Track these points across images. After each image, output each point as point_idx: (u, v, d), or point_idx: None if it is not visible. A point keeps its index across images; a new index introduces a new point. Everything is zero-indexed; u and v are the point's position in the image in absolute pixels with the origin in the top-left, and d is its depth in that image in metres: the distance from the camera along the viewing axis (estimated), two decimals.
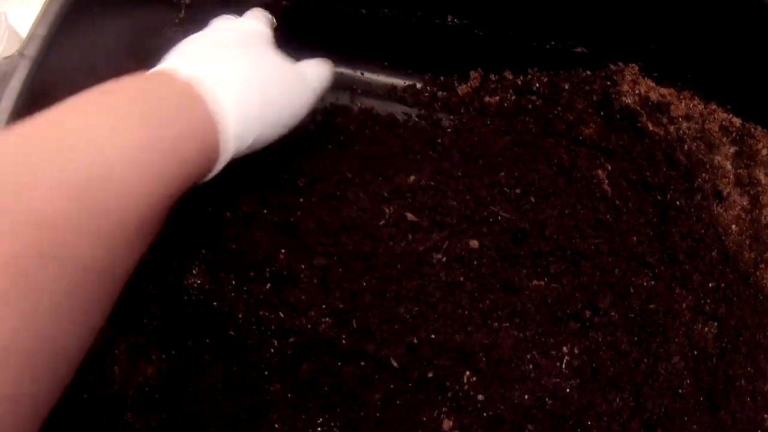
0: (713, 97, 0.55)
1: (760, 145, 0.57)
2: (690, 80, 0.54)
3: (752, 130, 0.57)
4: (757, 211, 0.54)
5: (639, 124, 0.50)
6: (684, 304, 0.47)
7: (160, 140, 0.27)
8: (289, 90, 0.37)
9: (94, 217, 0.23)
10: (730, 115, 0.56)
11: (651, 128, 0.50)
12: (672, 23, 0.48)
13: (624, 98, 0.50)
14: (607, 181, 0.49)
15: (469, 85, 0.56)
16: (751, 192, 0.54)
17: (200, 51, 0.34)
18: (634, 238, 0.47)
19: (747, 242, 0.52)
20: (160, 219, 0.28)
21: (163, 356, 0.39)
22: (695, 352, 0.46)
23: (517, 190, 0.46)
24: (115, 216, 0.24)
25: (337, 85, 0.46)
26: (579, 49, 0.51)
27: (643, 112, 0.50)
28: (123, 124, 0.26)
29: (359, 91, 0.57)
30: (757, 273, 0.53)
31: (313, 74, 0.40)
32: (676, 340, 0.46)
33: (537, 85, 0.52)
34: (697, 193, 0.50)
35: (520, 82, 0.54)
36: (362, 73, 0.57)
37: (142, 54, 0.41)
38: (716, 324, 0.48)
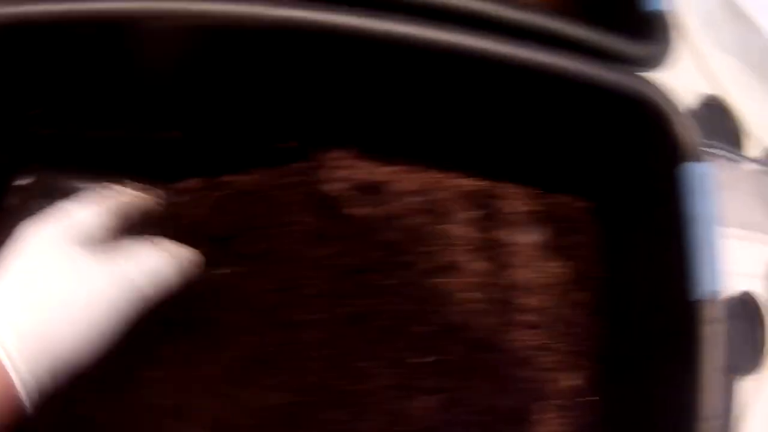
0: (445, 164, 0.54)
1: (510, 204, 0.55)
2: (423, 153, 0.54)
3: (499, 190, 0.55)
4: (501, 274, 0.52)
5: (346, 210, 0.50)
6: (380, 383, 0.45)
7: None
8: (91, 308, 0.32)
9: None
10: (469, 179, 0.55)
11: (357, 213, 0.50)
12: (391, 100, 0.49)
13: (331, 185, 0.51)
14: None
15: None
16: (492, 256, 0.52)
17: None
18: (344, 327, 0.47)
19: (486, 308, 0.50)
20: None
21: None
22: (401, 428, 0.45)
23: None
24: None
25: None
26: (291, 144, 0.52)
27: (351, 196, 0.51)
28: None
29: None
30: (503, 336, 0.50)
31: (142, 272, 0.34)
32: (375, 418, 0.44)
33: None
34: (411, 269, 0.49)
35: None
36: None
37: None
38: (435, 398, 0.46)
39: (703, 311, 0.38)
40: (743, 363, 0.70)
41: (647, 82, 0.43)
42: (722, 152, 0.67)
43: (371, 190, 0.51)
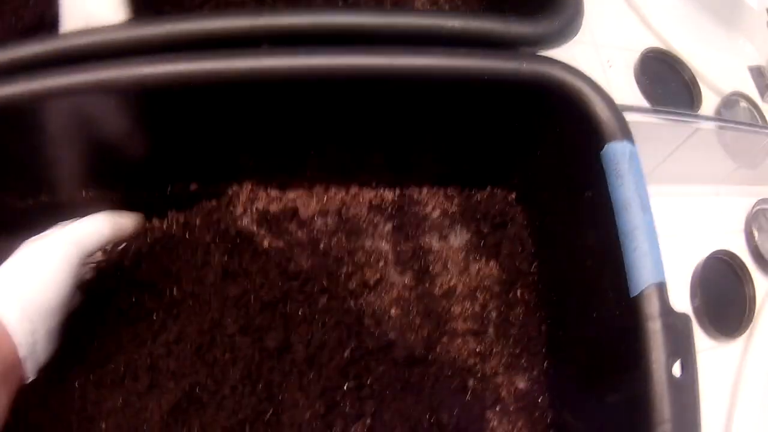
0: (355, 179, 0.52)
1: (428, 208, 0.52)
2: (326, 172, 0.51)
3: (415, 195, 0.53)
4: (427, 284, 0.49)
5: (256, 243, 0.48)
6: (308, 413, 0.43)
7: None
8: (65, 282, 0.39)
9: None
10: (382, 190, 0.52)
11: (267, 244, 0.48)
12: (282, 126, 0.47)
13: (239, 221, 0.49)
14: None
15: None
16: (417, 266, 0.50)
17: None
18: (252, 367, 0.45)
19: (416, 321, 0.48)
20: None
21: None
22: None
23: None
24: None
25: None
26: (192, 185, 0.50)
27: (260, 228, 0.49)
28: None
29: None
30: (439, 348, 0.48)
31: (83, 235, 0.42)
32: None
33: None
34: (332, 293, 0.47)
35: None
36: None
37: None
38: (367, 420, 0.44)
39: (644, 307, 0.35)
40: (731, 324, 0.67)
41: (553, 62, 0.41)
42: (672, 115, 0.63)
43: (279, 219, 0.49)
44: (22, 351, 0.35)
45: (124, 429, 0.41)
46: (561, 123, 0.43)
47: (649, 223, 0.36)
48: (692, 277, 0.66)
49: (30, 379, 0.36)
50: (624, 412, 0.37)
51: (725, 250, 0.67)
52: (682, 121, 0.63)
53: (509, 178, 0.51)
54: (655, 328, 0.34)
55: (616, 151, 0.38)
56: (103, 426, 0.41)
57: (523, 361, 0.48)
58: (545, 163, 0.48)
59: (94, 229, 0.42)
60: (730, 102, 0.75)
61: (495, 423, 0.46)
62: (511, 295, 0.49)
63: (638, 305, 0.35)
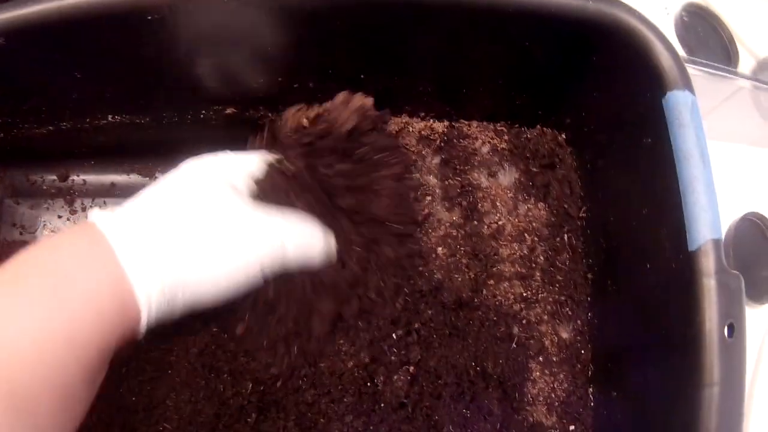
0: (404, 109, 0.48)
1: (478, 143, 0.49)
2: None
3: (465, 129, 0.49)
4: (475, 223, 0.46)
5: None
6: (351, 363, 0.41)
7: (62, 306, 0.26)
8: (230, 246, 0.32)
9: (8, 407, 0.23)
10: (431, 122, 0.49)
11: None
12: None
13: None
14: None
15: None
16: (465, 202, 0.47)
17: (137, 202, 0.32)
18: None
19: (463, 261, 0.45)
20: (90, 377, 0.27)
21: None
22: (380, 405, 0.41)
23: None
24: (24, 390, 0.24)
25: None
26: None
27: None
28: (23, 299, 0.26)
29: None
30: (483, 291, 0.45)
31: (293, 238, 0.34)
32: (345, 399, 0.40)
33: None
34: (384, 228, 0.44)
35: None
36: None
37: None
38: (410, 368, 0.41)
39: (702, 263, 0.33)
40: (761, 289, 0.66)
41: (619, 4, 0.38)
42: (710, 68, 0.60)
43: None
44: (143, 324, 0.30)
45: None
46: (622, 67, 0.40)
47: (708, 176, 0.35)
48: (725, 239, 0.64)
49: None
50: (670, 371, 0.36)
51: (757, 213, 0.66)
52: (726, 77, 0.61)
53: (561, 119, 0.48)
54: (710, 285, 0.33)
55: (678, 99, 0.36)
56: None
57: (567, 309, 0.46)
58: (601, 106, 0.45)
59: (306, 250, 0.35)
60: (766, 64, 0.73)
61: (537, 374, 0.44)
62: (558, 240, 0.46)
63: (696, 260, 0.33)
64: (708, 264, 0.33)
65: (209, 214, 0.32)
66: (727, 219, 0.65)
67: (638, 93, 0.39)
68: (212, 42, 0.38)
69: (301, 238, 0.35)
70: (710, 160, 0.36)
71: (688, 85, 0.36)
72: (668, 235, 0.36)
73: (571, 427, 0.44)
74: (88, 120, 0.43)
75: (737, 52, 0.72)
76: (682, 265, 0.34)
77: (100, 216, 0.30)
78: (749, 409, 0.62)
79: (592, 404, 0.45)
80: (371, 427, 0.39)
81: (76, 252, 0.28)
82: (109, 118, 0.44)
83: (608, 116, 0.44)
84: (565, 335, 0.45)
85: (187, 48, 0.38)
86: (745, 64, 0.72)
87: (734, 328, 0.33)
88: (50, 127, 0.43)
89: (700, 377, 0.32)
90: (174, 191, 0.32)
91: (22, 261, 0.27)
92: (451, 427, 0.39)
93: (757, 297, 0.63)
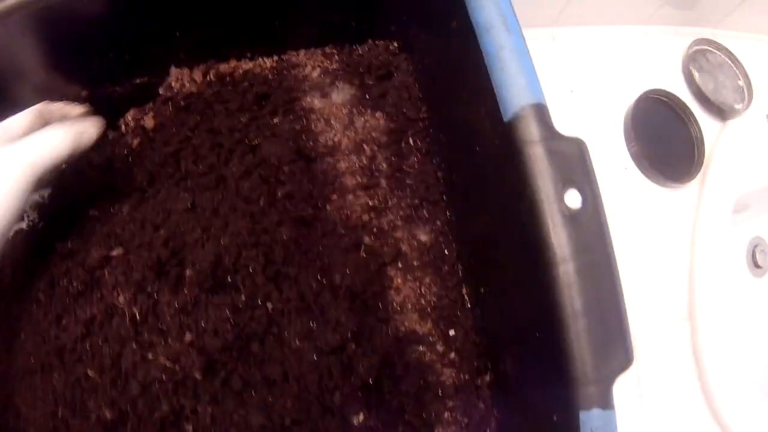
0: (231, 54, 0.49)
1: (308, 69, 0.49)
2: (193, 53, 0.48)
3: (293, 59, 0.49)
4: (311, 143, 0.46)
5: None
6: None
7: None
8: None
9: None
10: (259, 59, 0.49)
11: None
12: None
13: None
14: None
15: None
16: (298, 126, 0.46)
17: None
18: None
19: (303, 181, 0.45)
20: None
21: None
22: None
23: None
24: None
25: None
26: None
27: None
28: None
29: None
30: (328, 208, 0.44)
31: (35, 147, 0.34)
32: None
33: None
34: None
35: None
36: None
37: None
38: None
39: (520, 131, 0.31)
40: (680, 168, 0.63)
41: None
42: None
43: None
44: None
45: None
46: None
47: (517, 43, 0.33)
48: (624, 120, 0.61)
49: None
50: (523, 252, 0.33)
51: (660, 89, 0.63)
52: None
53: (387, 28, 0.48)
54: (536, 153, 0.30)
55: None
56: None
57: (423, 211, 0.45)
58: (412, 3, 0.45)
59: (53, 147, 0.35)
60: None
61: (399, 281, 0.43)
62: (403, 145, 0.46)
63: (513, 129, 0.31)
64: (528, 131, 0.31)
65: None
66: (626, 100, 0.63)
67: None
68: None
69: (44, 142, 0.35)
70: (519, 28, 0.35)
71: None
72: (487, 112, 0.34)
73: (451, 332, 0.43)
74: None
75: None
76: (503, 140, 0.32)
77: None
78: (693, 300, 0.59)
79: (468, 306, 0.43)
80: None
81: None
82: None
83: (422, 10, 0.44)
84: (424, 238, 0.44)
85: None
86: None
87: (582, 195, 0.30)
88: None
89: (547, 256, 0.29)
90: None
91: None
92: (297, 341, 0.39)
93: (677, 176, 0.60)
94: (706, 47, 0.68)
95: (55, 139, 0.35)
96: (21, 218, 0.36)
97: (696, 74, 0.66)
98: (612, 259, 0.30)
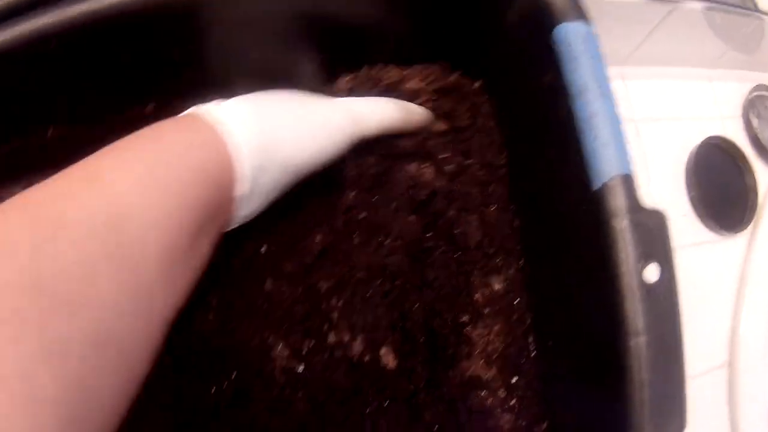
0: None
1: None
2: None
3: None
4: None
5: None
6: None
7: (172, 179, 0.26)
8: (314, 112, 0.33)
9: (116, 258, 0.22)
10: None
11: None
12: None
13: None
14: None
15: None
16: None
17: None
18: None
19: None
20: (192, 255, 0.27)
21: None
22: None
23: None
24: (130, 240, 0.23)
25: None
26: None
27: None
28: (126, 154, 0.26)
29: None
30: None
31: (366, 108, 0.36)
32: None
33: None
34: None
35: None
36: None
37: None
38: None
39: (608, 202, 0.31)
40: (733, 217, 0.62)
41: None
42: None
43: None
44: (240, 188, 0.29)
45: None
46: (513, 5, 0.39)
47: (609, 109, 0.32)
48: (687, 165, 0.61)
49: (230, 228, 0.31)
50: (598, 321, 0.34)
51: (720, 136, 0.62)
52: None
53: (474, 67, 0.46)
54: (621, 226, 0.30)
55: (568, 31, 0.34)
56: None
57: (498, 260, 0.44)
58: (506, 48, 0.43)
59: (383, 115, 0.37)
60: None
61: (469, 328, 0.42)
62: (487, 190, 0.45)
63: (601, 199, 0.31)
64: (615, 203, 0.31)
65: (293, 94, 0.34)
66: (688, 145, 0.62)
67: (534, 29, 0.37)
68: None
69: (374, 106, 0.37)
70: (612, 93, 0.34)
71: (581, 15, 0.34)
72: (574, 176, 0.34)
73: (514, 379, 0.43)
74: None
75: None
76: (589, 207, 0.32)
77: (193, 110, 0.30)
78: (735, 347, 0.59)
79: (534, 354, 0.43)
80: None
81: (175, 125, 0.28)
82: None
83: (513, 57, 0.42)
84: (497, 286, 0.43)
85: None
86: None
87: (660, 268, 0.30)
88: None
89: (623, 328, 0.30)
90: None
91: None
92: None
93: (730, 226, 0.60)
94: (765, 93, 0.68)
95: (389, 109, 0.38)
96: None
97: (754, 121, 0.65)
98: (680, 332, 0.31)
